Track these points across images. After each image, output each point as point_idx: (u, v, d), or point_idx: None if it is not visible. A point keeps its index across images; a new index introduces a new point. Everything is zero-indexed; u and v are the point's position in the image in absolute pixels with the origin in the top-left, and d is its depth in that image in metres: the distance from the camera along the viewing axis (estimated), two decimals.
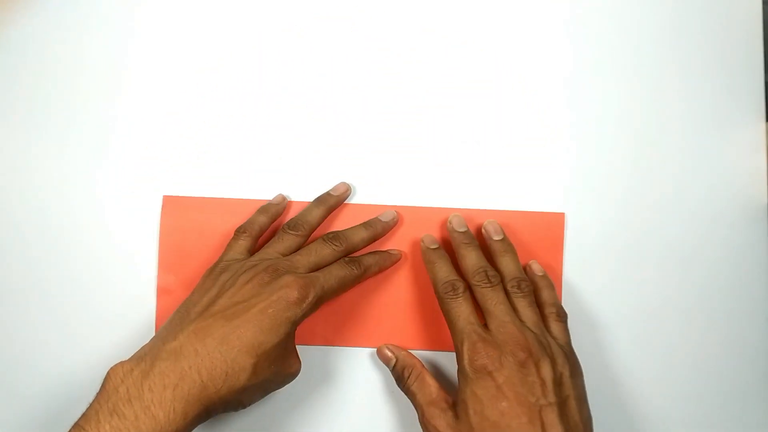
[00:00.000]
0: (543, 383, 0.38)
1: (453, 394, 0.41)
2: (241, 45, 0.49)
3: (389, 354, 0.45)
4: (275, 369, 0.39)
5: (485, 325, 0.41)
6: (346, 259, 0.44)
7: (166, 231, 0.47)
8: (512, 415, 0.37)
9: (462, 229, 0.46)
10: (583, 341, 0.46)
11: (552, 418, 0.38)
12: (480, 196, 0.48)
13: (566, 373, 0.40)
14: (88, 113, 0.49)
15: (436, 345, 0.47)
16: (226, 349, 0.37)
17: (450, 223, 0.46)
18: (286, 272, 0.40)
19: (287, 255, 0.43)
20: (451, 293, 0.42)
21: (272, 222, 0.46)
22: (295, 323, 0.39)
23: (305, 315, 0.40)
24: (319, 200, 0.47)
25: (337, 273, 0.42)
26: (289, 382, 0.41)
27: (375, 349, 0.46)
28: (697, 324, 0.47)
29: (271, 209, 0.46)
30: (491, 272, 0.43)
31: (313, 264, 0.43)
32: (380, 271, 0.46)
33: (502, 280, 0.43)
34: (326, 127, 0.49)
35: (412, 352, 0.46)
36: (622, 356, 0.47)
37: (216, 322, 0.38)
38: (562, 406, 0.38)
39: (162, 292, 0.47)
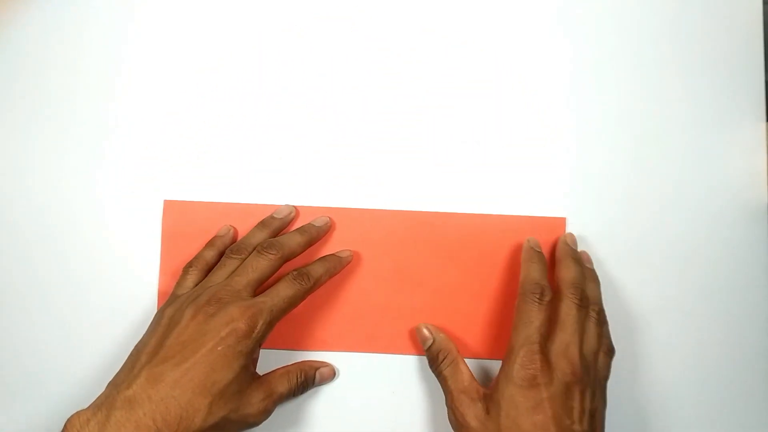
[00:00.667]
0: (581, 410, 0.39)
1: (485, 386, 0.42)
2: (241, 45, 0.49)
3: (426, 333, 0.45)
4: (233, 405, 0.38)
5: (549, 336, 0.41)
6: (294, 273, 0.43)
7: (167, 235, 0.47)
8: (543, 430, 0.38)
9: (575, 246, 0.46)
10: None
11: None
12: (480, 196, 0.48)
13: (599, 408, 0.40)
14: (88, 114, 0.48)
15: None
16: (180, 392, 0.37)
17: (564, 236, 0.47)
18: (230, 301, 0.40)
19: None
20: (538, 296, 0.42)
21: (220, 255, 0.45)
22: (249, 354, 0.39)
23: (258, 343, 0.40)
24: (263, 224, 0.46)
25: (285, 293, 0.41)
26: (253, 425, 0.40)
27: (376, 354, 0.46)
28: (697, 324, 0.47)
29: (216, 242, 0.46)
30: (586, 294, 0.43)
31: (254, 281, 0.42)
32: (331, 277, 0.45)
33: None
34: (326, 127, 0.49)
35: (413, 356, 0.46)
36: (622, 358, 0.47)
37: (167, 366, 0.37)
38: None
39: (163, 295, 0.47)
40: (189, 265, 0.45)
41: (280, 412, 0.46)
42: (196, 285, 0.44)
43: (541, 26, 0.50)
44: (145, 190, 0.48)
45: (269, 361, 0.46)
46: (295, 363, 0.45)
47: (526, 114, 0.49)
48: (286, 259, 0.44)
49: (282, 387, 0.42)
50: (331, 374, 0.46)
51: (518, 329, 0.41)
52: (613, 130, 0.49)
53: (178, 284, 0.44)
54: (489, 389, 0.41)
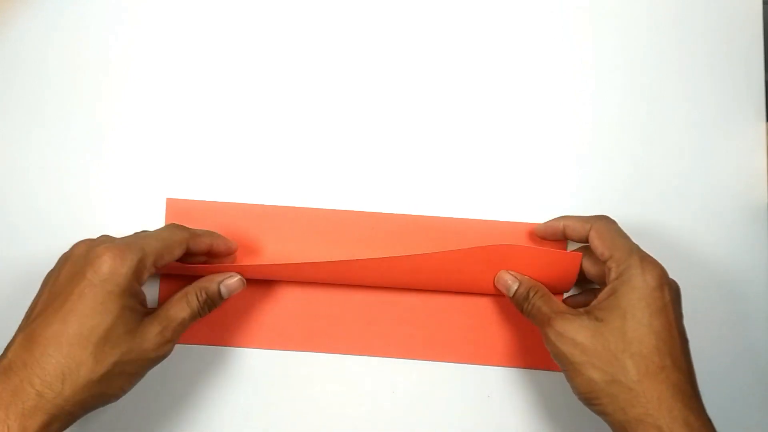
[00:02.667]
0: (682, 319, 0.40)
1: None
2: (244, 44, 0.49)
3: (510, 278, 0.43)
4: (124, 348, 0.36)
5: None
6: (177, 224, 0.41)
7: None
8: (668, 332, 0.38)
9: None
10: None
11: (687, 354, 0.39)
12: (480, 199, 0.48)
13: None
14: (89, 112, 0.48)
15: (439, 356, 0.47)
16: (54, 349, 0.34)
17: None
18: (100, 242, 0.37)
19: None
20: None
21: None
22: (125, 293, 0.36)
23: (132, 280, 0.37)
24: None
25: (161, 234, 0.39)
26: (158, 359, 0.38)
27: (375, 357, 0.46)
28: (697, 324, 0.47)
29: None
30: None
31: (154, 248, 0.39)
32: (211, 248, 0.42)
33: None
34: (329, 127, 0.49)
35: (410, 361, 0.46)
36: None
37: (39, 324, 0.35)
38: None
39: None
40: None
41: (278, 413, 0.46)
42: None
43: (541, 29, 0.50)
44: (147, 188, 0.48)
45: (263, 360, 0.46)
46: (195, 282, 0.42)
47: (525, 116, 0.49)
48: (191, 247, 0.41)
49: (182, 312, 0.39)
50: (240, 285, 0.42)
51: (611, 245, 0.40)
52: (613, 131, 0.49)
53: None
54: (593, 306, 0.39)
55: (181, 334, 0.39)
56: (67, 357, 0.35)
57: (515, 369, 0.46)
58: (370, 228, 0.47)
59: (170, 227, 0.41)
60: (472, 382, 0.46)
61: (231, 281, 0.42)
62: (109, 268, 0.36)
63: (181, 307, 0.40)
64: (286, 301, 0.47)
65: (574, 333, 0.38)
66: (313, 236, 0.47)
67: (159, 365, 0.39)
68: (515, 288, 0.43)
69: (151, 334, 0.38)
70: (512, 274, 0.43)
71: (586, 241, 0.43)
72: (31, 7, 0.49)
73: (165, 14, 0.49)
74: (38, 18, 0.49)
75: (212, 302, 0.41)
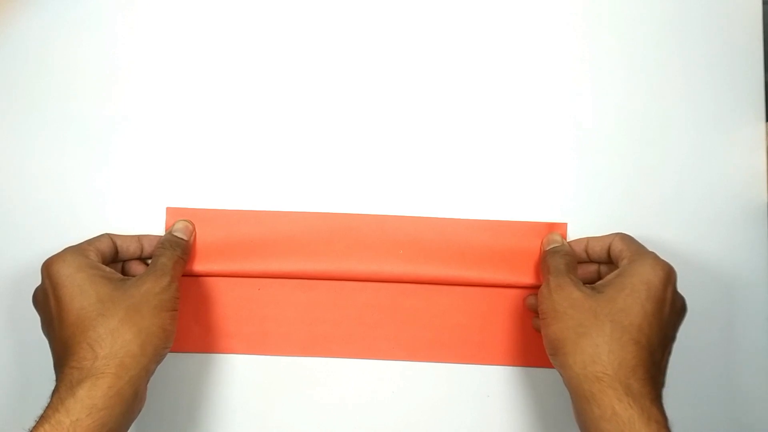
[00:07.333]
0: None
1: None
2: (245, 54, 0.49)
3: (558, 238, 0.46)
4: (125, 297, 0.39)
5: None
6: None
7: None
8: (659, 326, 0.39)
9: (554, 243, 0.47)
10: None
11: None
12: (481, 201, 0.48)
13: None
14: (89, 121, 0.48)
15: (440, 357, 0.47)
16: (98, 345, 0.38)
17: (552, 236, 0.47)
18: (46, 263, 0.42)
19: None
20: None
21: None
22: (85, 268, 0.40)
23: (83, 257, 0.41)
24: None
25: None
26: (165, 294, 0.40)
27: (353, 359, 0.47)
28: (697, 324, 0.47)
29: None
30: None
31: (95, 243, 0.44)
32: (140, 241, 0.46)
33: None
34: (328, 133, 0.49)
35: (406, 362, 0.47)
36: None
37: (72, 343, 0.39)
38: None
39: None
40: None
41: (278, 417, 0.46)
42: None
43: (541, 28, 0.50)
44: (147, 198, 0.48)
45: (259, 366, 0.46)
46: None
47: (525, 117, 0.49)
48: (120, 252, 0.45)
49: (157, 258, 0.43)
50: (185, 224, 0.46)
51: (633, 244, 0.43)
52: (613, 131, 0.49)
53: None
54: (598, 283, 0.42)
55: (169, 270, 0.42)
56: (99, 339, 0.38)
57: (515, 368, 0.47)
58: (371, 230, 0.47)
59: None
60: (472, 382, 0.46)
61: (177, 224, 0.46)
62: (58, 265, 0.40)
63: (155, 255, 0.43)
64: (286, 307, 0.47)
65: (571, 289, 0.40)
66: (314, 240, 0.47)
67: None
68: (555, 246, 0.45)
69: (142, 279, 0.41)
70: (561, 238, 0.46)
71: (607, 255, 0.44)
72: (32, 10, 0.49)
73: (166, 24, 0.49)
74: (38, 24, 0.49)
75: (174, 243, 0.44)
